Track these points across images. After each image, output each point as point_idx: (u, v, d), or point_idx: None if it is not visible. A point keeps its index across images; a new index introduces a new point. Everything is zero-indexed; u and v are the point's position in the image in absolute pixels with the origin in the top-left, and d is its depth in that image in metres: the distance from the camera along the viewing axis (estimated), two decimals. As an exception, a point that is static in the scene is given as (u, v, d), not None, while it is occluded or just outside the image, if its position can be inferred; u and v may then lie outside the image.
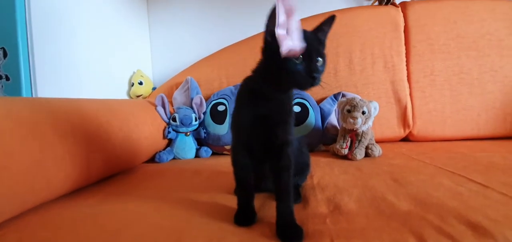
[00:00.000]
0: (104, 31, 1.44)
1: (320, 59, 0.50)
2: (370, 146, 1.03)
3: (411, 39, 1.37)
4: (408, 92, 1.36)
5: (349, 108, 1.01)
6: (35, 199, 0.59)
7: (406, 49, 1.38)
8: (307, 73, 0.48)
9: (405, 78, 1.37)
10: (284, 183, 0.52)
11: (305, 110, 1.21)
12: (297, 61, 0.47)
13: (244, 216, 0.52)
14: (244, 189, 0.56)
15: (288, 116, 0.55)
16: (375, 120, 1.31)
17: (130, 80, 1.64)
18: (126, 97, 1.61)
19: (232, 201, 0.58)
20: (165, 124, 1.23)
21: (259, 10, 1.74)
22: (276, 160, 0.54)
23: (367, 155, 1.03)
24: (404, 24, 1.38)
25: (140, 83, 1.61)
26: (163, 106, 1.23)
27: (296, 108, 1.20)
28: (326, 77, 1.39)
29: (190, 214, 0.57)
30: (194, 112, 1.27)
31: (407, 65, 1.38)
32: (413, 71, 1.37)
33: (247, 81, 0.57)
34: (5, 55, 1.03)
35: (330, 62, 1.40)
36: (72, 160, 0.68)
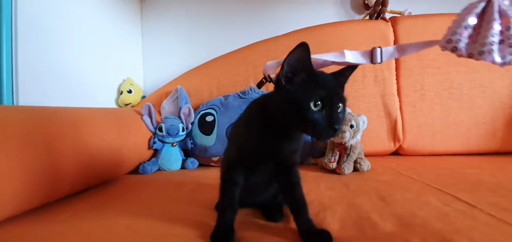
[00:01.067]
0: (96, 39, 1.41)
1: (341, 105, 0.46)
2: (358, 160, 1.01)
3: (401, 54, 1.37)
4: (398, 106, 1.36)
5: (337, 122, 0.99)
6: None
7: (396, 63, 1.38)
8: (328, 124, 0.43)
9: (395, 92, 1.37)
10: (299, 197, 0.53)
11: (294, 122, 1.19)
12: (314, 109, 0.43)
13: (222, 235, 0.50)
14: (229, 207, 0.53)
15: (299, 145, 0.55)
16: (365, 133, 1.30)
17: (119, 88, 1.61)
18: (115, 105, 1.58)
19: (212, 218, 0.54)
20: (151, 134, 1.19)
21: (252, 21, 1.76)
22: (284, 177, 0.54)
23: (355, 169, 1.01)
24: (394, 39, 1.39)
25: (129, 91, 1.58)
26: (150, 116, 1.20)
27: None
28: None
29: (164, 231, 0.54)
30: (182, 122, 1.25)
31: (397, 79, 1.38)
32: (403, 86, 1.37)
33: (262, 106, 0.52)
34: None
35: (321, 74, 1.40)
36: (42, 171, 0.65)
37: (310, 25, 1.49)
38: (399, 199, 0.68)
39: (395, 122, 1.33)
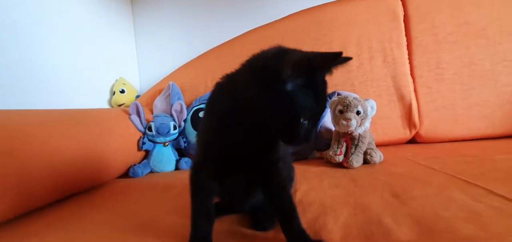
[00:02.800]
0: (85, 38, 1.34)
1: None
2: (369, 151, 0.89)
3: (412, 30, 1.23)
4: (412, 88, 1.22)
5: (341, 109, 0.87)
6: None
7: (407, 40, 1.24)
8: (305, 136, 0.38)
9: (408, 72, 1.23)
10: (286, 201, 0.44)
11: (295, 113, 1.08)
12: (302, 122, 0.37)
13: None
14: (203, 217, 0.44)
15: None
16: (377, 121, 1.18)
17: (111, 88, 1.54)
18: (107, 107, 1.51)
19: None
20: (140, 134, 1.11)
21: (247, 7, 1.64)
22: (267, 179, 0.45)
23: (365, 161, 0.89)
24: (403, 13, 1.25)
25: (122, 91, 1.51)
26: (138, 115, 1.11)
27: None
28: (319, 76, 1.26)
29: None
30: (174, 120, 1.16)
31: (410, 58, 1.24)
32: (417, 65, 1.23)
33: (228, 91, 0.43)
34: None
35: (323, 59, 1.28)
36: (7, 181, 0.57)
37: (311, 5, 1.37)
38: (418, 195, 0.56)
39: (410, 106, 1.20)
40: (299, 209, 0.55)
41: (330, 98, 1.13)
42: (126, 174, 1.06)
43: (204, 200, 0.44)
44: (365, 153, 0.89)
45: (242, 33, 1.46)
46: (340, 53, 0.33)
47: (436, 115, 1.19)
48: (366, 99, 0.90)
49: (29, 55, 1.05)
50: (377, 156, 0.89)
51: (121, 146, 0.99)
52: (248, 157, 0.43)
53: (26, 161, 0.63)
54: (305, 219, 0.50)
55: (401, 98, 1.21)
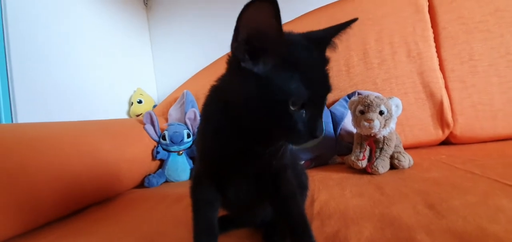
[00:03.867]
0: (103, 51, 1.39)
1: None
2: (396, 154, 0.81)
3: (439, 20, 1.12)
4: (442, 84, 1.10)
5: (362, 109, 0.80)
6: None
7: (434, 32, 1.13)
8: (309, 130, 0.31)
9: (437, 67, 1.12)
10: (296, 214, 0.38)
11: (312, 116, 1.01)
12: (293, 108, 0.30)
13: None
14: (204, 232, 0.40)
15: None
16: (404, 121, 1.09)
17: (130, 99, 1.57)
18: (126, 117, 1.54)
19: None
20: (155, 143, 1.10)
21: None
22: (273, 190, 0.39)
23: (393, 166, 0.80)
24: (427, 4, 1.15)
25: (140, 102, 1.53)
26: (152, 124, 1.11)
27: (301, 115, 1.01)
28: (337, 77, 1.19)
29: None
30: (187, 128, 1.14)
31: (438, 51, 1.13)
32: (446, 58, 1.11)
33: (214, 99, 0.39)
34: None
35: (341, 57, 1.20)
36: (16, 197, 0.57)
37: (327, 3, 1.31)
38: (457, 205, 0.48)
39: (441, 104, 1.08)
40: (317, 222, 0.50)
41: (350, 98, 1.06)
42: (142, 184, 1.05)
43: (206, 214, 0.40)
44: (392, 157, 0.81)
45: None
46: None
47: (472, 112, 1.06)
48: (390, 98, 0.82)
49: (53, 70, 1.09)
50: (406, 160, 0.80)
51: (136, 156, 0.98)
52: (248, 164, 0.38)
53: (36, 175, 0.63)
54: (324, 235, 0.44)
55: (431, 95, 1.10)
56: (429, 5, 1.15)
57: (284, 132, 0.32)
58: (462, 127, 1.07)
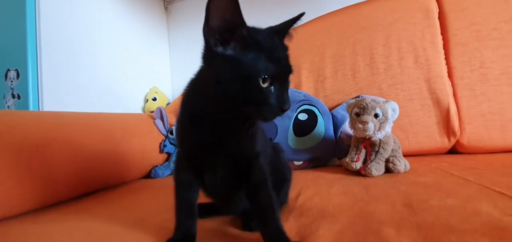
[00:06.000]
0: (124, 50, 1.49)
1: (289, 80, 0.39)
2: (392, 158, 0.81)
3: (449, 27, 1.11)
4: (450, 92, 1.08)
5: (358, 111, 0.81)
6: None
7: (443, 39, 1.12)
8: (278, 104, 0.36)
9: (445, 74, 1.09)
10: (264, 200, 0.40)
11: (312, 118, 1.03)
12: (264, 85, 0.35)
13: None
14: (185, 212, 0.44)
15: (255, 130, 0.42)
16: (409, 128, 1.08)
17: (145, 96, 1.67)
18: (141, 113, 1.64)
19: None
20: (163, 137, 1.17)
21: (272, 17, 1.64)
22: (244, 176, 0.42)
23: (388, 170, 0.81)
24: (438, 10, 1.13)
25: (154, 99, 1.62)
26: (162, 119, 1.18)
27: (302, 116, 1.04)
28: (342, 81, 1.20)
29: (122, 237, 0.48)
30: (194, 124, 1.20)
31: (447, 58, 1.11)
32: (456, 65, 1.09)
33: (190, 88, 0.44)
34: (18, 76, 1.11)
35: (348, 62, 1.21)
36: (34, 176, 0.65)
37: (336, 8, 1.32)
38: (435, 205, 0.49)
39: (447, 111, 1.06)
40: (296, 213, 0.52)
41: (351, 102, 1.07)
42: (149, 175, 1.12)
43: (185, 195, 0.44)
44: (388, 161, 0.81)
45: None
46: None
47: (481, 121, 1.03)
48: (387, 101, 0.82)
49: (79, 67, 1.20)
50: (402, 164, 0.80)
51: (144, 148, 1.05)
52: (220, 150, 0.41)
53: (53, 158, 0.70)
54: (298, 224, 0.47)
55: (437, 102, 1.08)
56: (439, 12, 1.14)
57: (257, 107, 0.35)
58: (470, 136, 1.04)
